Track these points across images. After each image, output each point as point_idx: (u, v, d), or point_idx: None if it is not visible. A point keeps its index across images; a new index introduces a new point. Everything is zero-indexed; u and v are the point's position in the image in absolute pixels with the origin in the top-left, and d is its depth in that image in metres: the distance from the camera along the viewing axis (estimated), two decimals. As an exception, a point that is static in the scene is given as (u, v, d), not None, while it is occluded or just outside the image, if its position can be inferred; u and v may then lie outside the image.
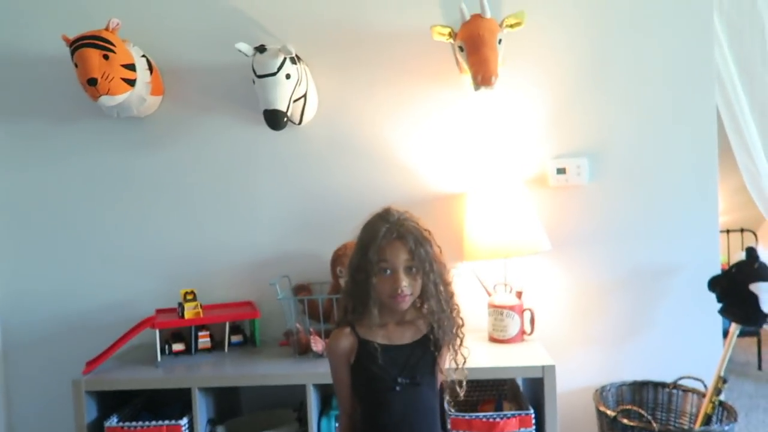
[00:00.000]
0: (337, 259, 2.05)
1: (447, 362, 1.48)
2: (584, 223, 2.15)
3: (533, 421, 1.75)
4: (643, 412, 1.82)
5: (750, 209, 2.12)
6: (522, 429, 1.75)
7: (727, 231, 4.32)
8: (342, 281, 1.64)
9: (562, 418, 2.10)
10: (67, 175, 2.27)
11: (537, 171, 2.16)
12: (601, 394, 2.07)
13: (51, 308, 2.30)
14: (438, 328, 1.44)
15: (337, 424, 1.87)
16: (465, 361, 1.49)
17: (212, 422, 1.97)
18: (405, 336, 1.45)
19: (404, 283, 1.37)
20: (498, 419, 1.74)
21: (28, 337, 2.31)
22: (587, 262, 2.15)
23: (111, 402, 1.97)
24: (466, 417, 1.76)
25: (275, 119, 1.94)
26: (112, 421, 1.88)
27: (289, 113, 1.98)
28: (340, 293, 1.45)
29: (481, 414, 1.76)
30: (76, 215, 2.28)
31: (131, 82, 2.01)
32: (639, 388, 2.15)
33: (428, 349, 1.45)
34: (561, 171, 2.12)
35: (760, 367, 3.91)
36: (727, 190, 4.15)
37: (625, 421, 1.84)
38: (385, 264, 1.37)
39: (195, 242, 2.26)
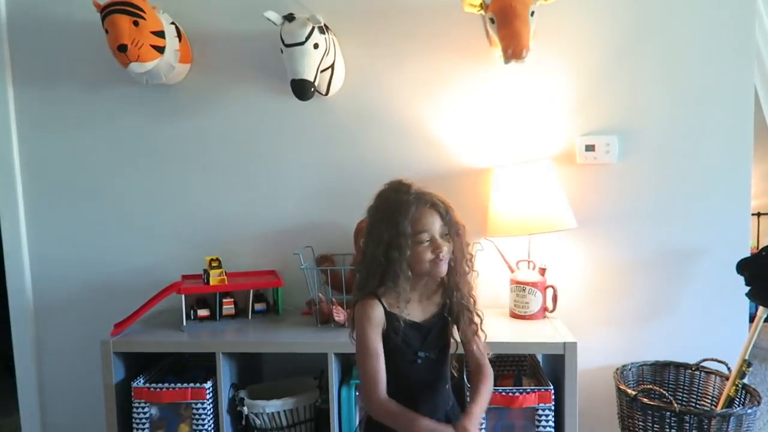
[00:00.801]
0: (360, 231, 2.05)
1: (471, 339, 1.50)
2: (611, 201, 2.12)
3: (552, 397, 1.76)
4: (664, 392, 1.81)
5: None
6: (541, 404, 1.76)
7: (758, 214, 4.23)
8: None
9: (582, 396, 2.10)
10: (97, 142, 2.30)
11: (565, 148, 2.12)
12: (621, 373, 2.06)
13: (80, 272, 2.36)
14: (458, 299, 1.46)
15: (357, 393, 1.90)
16: (486, 337, 1.52)
17: (235, 387, 2.01)
18: (426, 312, 1.47)
19: (445, 248, 1.41)
20: (517, 394, 1.75)
21: (59, 300, 2.38)
22: (613, 241, 2.13)
23: (138, 364, 2.02)
24: (486, 391, 1.76)
25: (302, 89, 1.93)
26: (139, 382, 1.94)
27: (316, 83, 1.97)
28: (360, 266, 1.44)
29: (500, 388, 1.76)
30: (105, 181, 2.31)
31: (160, 50, 2.01)
32: (660, 368, 2.14)
33: (446, 323, 1.47)
34: (590, 148, 2.09)
35: (784, 353, 3.85)
36: (759, 173, 4.06)
37: (645, 400, 1.84)
38: (423, 234, 1.39)
39: (220, 210, 2.29)
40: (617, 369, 2.07)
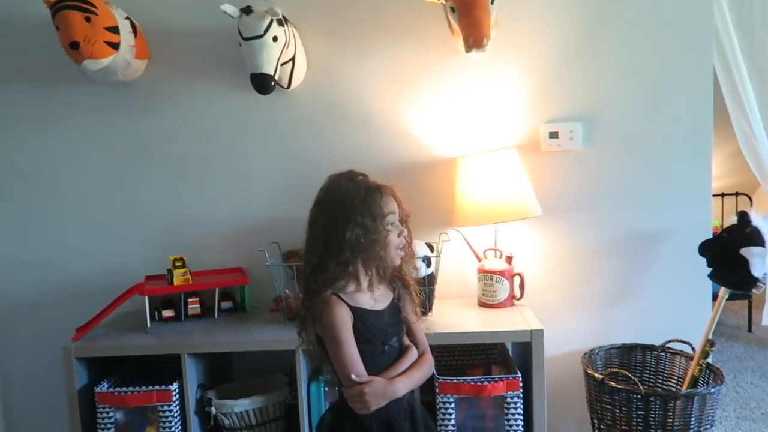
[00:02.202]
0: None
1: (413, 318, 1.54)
2: (576, 188, 2.13)
3: (521, 385, 1.76)
4: (629, 374, 1.83)
5: (746, 173, 2.10)
6: (510, 392, 1.76)
7: (722, 195, 4.31)
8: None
9: (551, 382, 2.14)
10: (54, 142, 2.24)
11: (530, 136, 2.13)
12: (589, 357, 2.08)
13: (41, 275, 2.29)
14: (405, 283, 1.49)
15: (326, 389, 1.89)
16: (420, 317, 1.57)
17: (203, 387, 1.98)
18: (383, 300, 1.47)
19: (406, 231, 1.44)
20: (486, 383, 1.76)
21: (20, 303, 2.31)
22: (578, 227, 2.15)
23: (102, 368, 1.98)
24: (454, 381, 1.77)
25: (263, 83, 1.90)
26: (103, 387, 1.90)
27: (276, 77, 1.94)
28: (315, 257, 1.41)
29: (469, 378, 1.77)
30: (64, 182, 2.25)
31: (115, 46, 1.96)
32: (627, 351, 2.17)
33: (399, 309, 1.48)
34: (554, 135, 2.10)
35: (750, 329, 3.94)
36: (724, 154, 4.14)
37: (612, 384, 1.86)
38: (392, 216, 1.40)
39: (184, 208, 2.25)
40: (585, 353, 2.09)
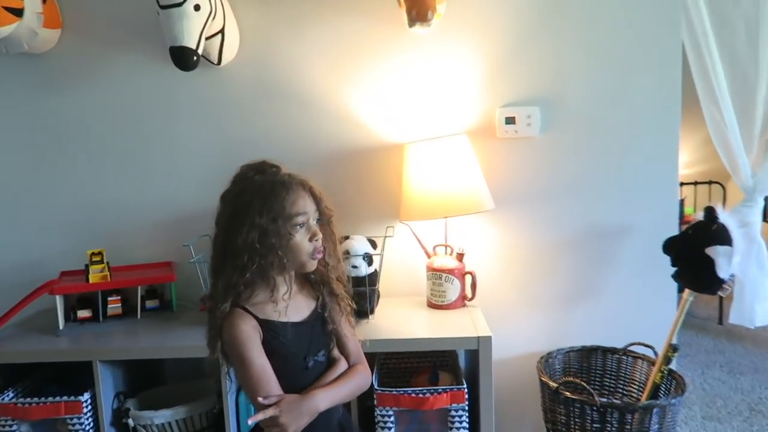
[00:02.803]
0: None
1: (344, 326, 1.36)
2: (533, 178, 1.96)
3: (466, 396, 1.60)
4: (585, 384, 1.68)
5: (719, 161, 1.97)
6: (454, 404, 1.60)
7: (695, 183, 4.20)
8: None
9: (505, 388, 2.00)
10: (-44, 121, 2.01)
11: (484, 121, 1.94)
12: (546, 361, 1.94)
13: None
14: (331, 290, 1.30)
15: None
16: (354, 326, 1.40)
17: (124, 395, 1.80)
18: (303, 309, 1.29)
19: (320, 235, 1.25)
20: (428, 395, 1.59)
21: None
22: (535, 220, 1.98)
23: (12, 373, 1.78)
24: (393, 392, 1.60)
25: (182, 58, 1.68)
26: (6, 397, 1.71)
27: (200, 51, 1.72)
28: (218, 262, 1.23)
29: (409, 389, 1.60)
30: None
31: (17, 12, 1.73)
32: (587, 354, 2.02)
33: (325, 319, 1.30)
34: (510, 121, 1.92)
35: (720, 322, 3.85)
36: (697, 141, 4.01)
37: (567, 393, 1.71)
38: (299, 217, 1.20)
39: (107, 196, 2.04)
40: (542, 357, 1.94)
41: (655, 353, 1.88)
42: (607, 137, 1.93)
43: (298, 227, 1.21)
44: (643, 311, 2.00)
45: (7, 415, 1.68)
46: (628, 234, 1.98)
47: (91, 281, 1.83)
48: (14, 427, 1.69)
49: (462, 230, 1.95)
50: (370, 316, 1.77)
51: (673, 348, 1.79)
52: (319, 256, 1.24)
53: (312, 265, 1.25)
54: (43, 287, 1.81)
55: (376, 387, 1.62)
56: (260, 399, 1.16)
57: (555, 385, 1.75)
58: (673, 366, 1.83)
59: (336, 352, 1.32)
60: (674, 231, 1.92)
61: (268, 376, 1.18)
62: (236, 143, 1.99)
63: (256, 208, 1.18)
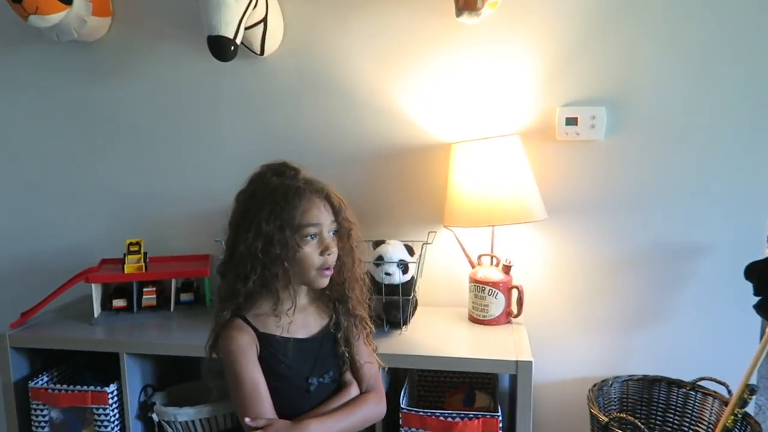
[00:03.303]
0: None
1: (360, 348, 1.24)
2: (594, 186, 1.76)
3: (500, 425, 1.45)
4: (639, 423, 1.48)
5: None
6: (486, 433, 1.45)
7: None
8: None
9: (550, 416, 1.83)
10: (14, 107, 2.05)
11: (541, 121, 1.76)
12: (600, 389, 1.74)
13: (6, 246, 2.15)
14: (348, 309, 1.17)
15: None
16: (376, 349, 1.28)
17: (153, 388, 1.78)
18: (312, 325, 1.18)
19: (334, 249, 1.13)
20: (457, 420, 1.45)
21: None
22: (594, 233, 1.78)
23: (51, 356, 1.80)
24: (420, 413, 1.47)
25: (219, 47, 1.62)
26: (39, 381, 1.72)
27: (238, 41, 1.65)
28: (226, 268, 1.16)
29: (437, 412, 1.47)
30: (23, 151, 2.07)
31: (66, 0, 1.73)
32: (649, 385, 1.81)
33: (338, 338, 1.18)
34: (571, 122, 1.73)
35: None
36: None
37: None
38: (310, 228, 1.10)
39: (149, 186, 2.03)
40: (594, 385, 1.75)
41: (729, 392, 1.65)
42: (683, 142, 1.70)
43: (309, 238, 1.11)
44: (717, 343, 1.76)
45: (39, 399, 1.70)
46: (704, 254, 1.74)
47: (126, 271, 1.82)
48: (45, 412, 1.71)
49: (510, 240, 1.79)
50: (403, 328, 1.65)
51: (750, 389, 1.55)
52: (329, 273, 1.13)
53: (321, 282, 1.14)
54: (80, 275, 1.81)
55: (402, 406, 1.49)
56: (247, 420, 1.07)
57: (605, 419, 1.55)
58: (749, 409, 1.59)
59: (348, 376, 1.21)
60: (760, 254, 1.66)
61: (261, 396, 1.09)
62: (277, 137, 1.92)
63: (264, 214, 1.10)
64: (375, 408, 1.21)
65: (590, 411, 1.64)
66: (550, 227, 1.78)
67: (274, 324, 1.13)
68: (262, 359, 1.12)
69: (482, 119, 1.79)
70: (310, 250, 1.11)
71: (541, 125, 1.76)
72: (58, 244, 2.09)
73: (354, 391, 1.20)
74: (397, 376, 1.66)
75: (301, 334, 1.17)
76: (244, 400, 1.09)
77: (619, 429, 1.52)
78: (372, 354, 1.25)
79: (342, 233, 1.16)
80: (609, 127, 1.72)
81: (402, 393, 1.53)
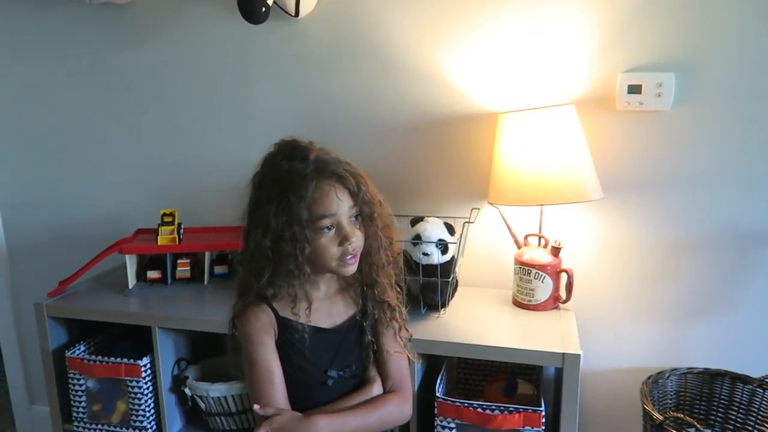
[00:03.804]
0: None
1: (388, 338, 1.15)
2: (658, 161, 1.59)
3: (543, 421, 1.35)
4: (696, 424, 1.35)
5: None
6: (527, 427, 1.36)
7: None
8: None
9: (598, 409, 1.72)
10: (48, 73, 2.02)
11: (599, 89, 1.59)
12: (655, 382, 1.62)
13: (48, 213, 2.16)
14: (375, 296, 1.08)
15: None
16: (410, 338, 1.18)
17: (187, 362, 1.76)
18: (336, 314, 1.10)
19: (355, 238, 1.04)
20: (496, 413, 1.36)
21: (30, 241, 2.21)
22: (655, 213, 1.62)
23: (88, 326, 1.79)
24: (456, 404, 1.38)
25: (249, 8, 1.53)
26: (76, 351, 1.72)
27: (269, 1, 1.55)
28: (243, 258, 1.09)
29: (475, 403, 1.38)
30: (57, 118, 2.06)
31: (97, -40, 1.66)
32: (710, 378, 1.66)
33: (363, 327, 1.10)
34: (634, 90, 1.55)
35: None
36: None
37: None
38: (324, 220, 1.01)
39: (182, 155, 1.98)
40: (649, 377, 1.62)
41: (802, 392, 1.49)
42: (762, 114, 1.51)
43: (325, 230, 1.01)
44: (790, 337, 1.59)
45: (75, 369, 1.71)
46: (780, 239, 1.56)
47: (159, 243, 1.78)
48: (82, 382, 1.71)
49: (560, 219, 1.65)
50: (441, 311, 1.56)
51: (827, 392, 1.39)
52: (353, 261, 1.04)
53: (347, 271, 1.06)
54: (115, 246, 1.79)
55: (438, 395, 1.41)
56: (255, 407, 1.01)
57: (660, 417, 1.43)
58: (824, 413, 1.43)
59: (372, 373, 1.13)
60: None
61: (274, 383, 1.03)
62: (313, 103, 1.82)
63: (272, 208, 1.01)
64: (396, 410, 1.12)
65: (643, 407, 1.52)
66: (605, 206, 1.63)
67: (293, 311, 1.06)
68: (278, 345, 1.06)
69: (533, 87, 1.63)
70: (326, 242, 1.02)
71: (600, 94, 1.59)
72: (92, 213, 2.08)
73: (376, 389, 1.12)
74: (435, 360, 1.58)
75: (324, 323, 1.09)
76: (257, 385, 1.04)
77: (675, 430, 1.40)
78: (401, 346, 1.16)
79: (364, 215, 1.06)
80: (678, 95, 1.54)
81: (438, 380, 1.45)
